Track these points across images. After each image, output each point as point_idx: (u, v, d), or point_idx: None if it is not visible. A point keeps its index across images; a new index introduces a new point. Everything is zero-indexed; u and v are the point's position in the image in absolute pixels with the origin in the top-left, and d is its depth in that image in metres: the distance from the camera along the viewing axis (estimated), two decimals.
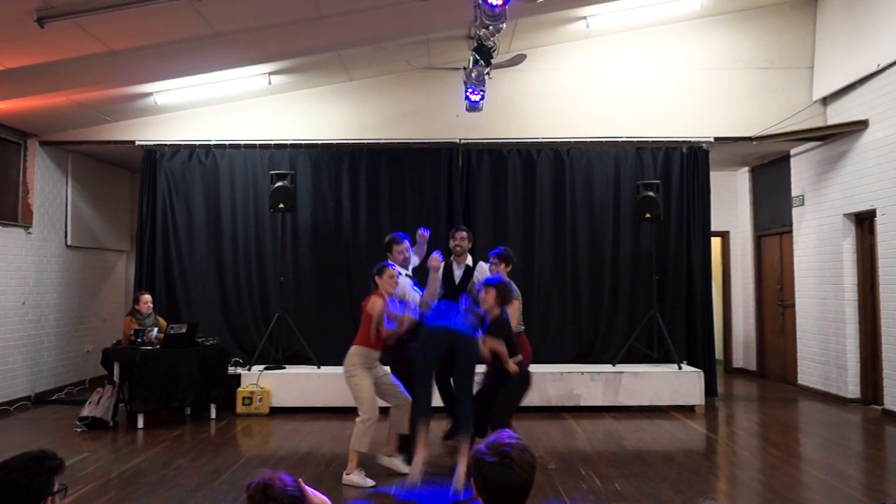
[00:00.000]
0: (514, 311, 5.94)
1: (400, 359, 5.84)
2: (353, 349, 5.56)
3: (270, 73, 8.42)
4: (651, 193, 8.60)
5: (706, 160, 9.17)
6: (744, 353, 11.38)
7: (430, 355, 5.39)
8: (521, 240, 9.08)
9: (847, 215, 8.59)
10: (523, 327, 6.23)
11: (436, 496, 5.09)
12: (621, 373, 8.24)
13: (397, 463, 5.61)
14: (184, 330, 7.61)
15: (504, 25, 5.80)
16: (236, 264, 9.17)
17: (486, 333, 5.38)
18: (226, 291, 9.14)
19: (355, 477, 5.37)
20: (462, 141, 9.14)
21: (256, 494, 1.90)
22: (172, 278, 9.06)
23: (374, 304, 5.52)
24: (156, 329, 7.74)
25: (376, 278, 5.66)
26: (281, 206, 8.54)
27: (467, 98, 7.68)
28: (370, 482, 5.34)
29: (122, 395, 7.49)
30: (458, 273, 6.45)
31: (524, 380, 5.54)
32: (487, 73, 7.11)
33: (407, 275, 6.15)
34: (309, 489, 2.02)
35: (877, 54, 7.87)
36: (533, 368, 8.09)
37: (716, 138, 9.08)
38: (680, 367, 8.34)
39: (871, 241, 8.36)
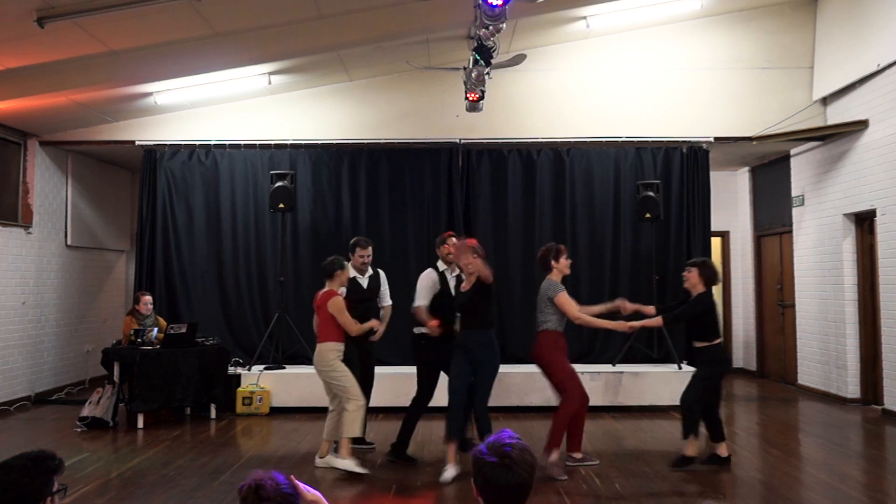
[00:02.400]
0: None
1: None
2: (327, 345, 5.68)
3: (270, 73, 8.42)
4: (651, 193, 8.60)
5: (706, 160, 9.17)
6: (744, 353, 11.38)
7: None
8: (520, 240, 9.09)
9: (847, 215, 8.59)
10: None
11: None
12: (621, 373, 8.24)
13: (332, 460, 5.71)
14: (184, 330, 7.61)
15: (504, 25, 5.80)
16: (236, 264, 9.17)
17: (685, 311, 5.74)
18: (226, 291, 9.14)
19: (350, 462, 5.49)
20: (462, 141, 9.13)
21: (249, 496, 1.90)
22: (172, 278, 9.06)
23: (336, 302, 5.67)
24: (156, 329, 7.74)
25: (338, 273, 5.78)
26: (281, 206, 8.54)
27: (467, 98, 7.67)
28: (364, 470, 5.46)
29: (122, 395, 7.49)
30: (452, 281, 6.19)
31: (717, 363, 5.69)
32: (487, 73, 7.10)
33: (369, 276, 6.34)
34: (302, 486, 2.03)
35: (877, 54, 7.87)
36: (533, 368, 8.13)
37: (716, 138, 9.08)
38: (680, 367, 8.34)
39: (871, 241, 8.35)
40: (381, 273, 6.56)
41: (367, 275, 6.38)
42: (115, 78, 7.57)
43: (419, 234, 9.14)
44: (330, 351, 5.68)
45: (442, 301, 5.85)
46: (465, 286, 5.57)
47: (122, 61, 7.08)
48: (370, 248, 6.36)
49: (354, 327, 5.72)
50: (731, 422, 7.89)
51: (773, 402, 8.82)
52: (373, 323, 5.97)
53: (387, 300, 6.52)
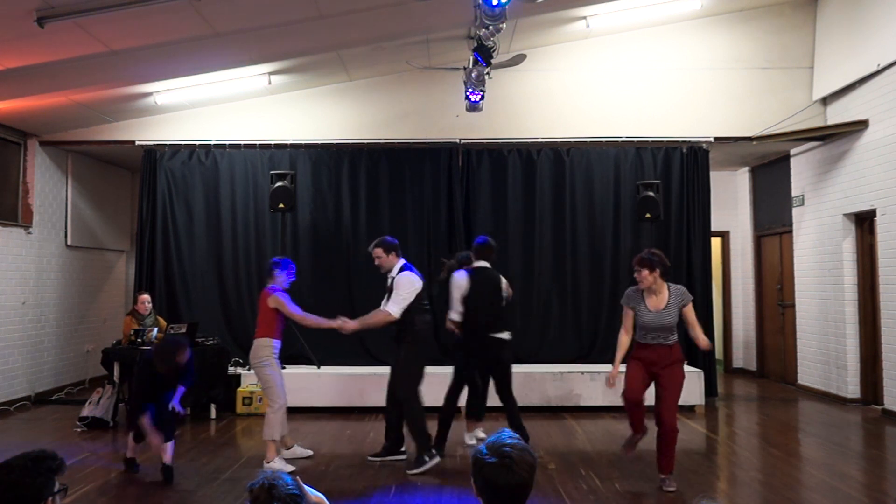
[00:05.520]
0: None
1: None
2: (263, 341, 5.86)
3: (270, 73, 8.41)
4: (651, 193, 8.60)
5: (706, 160, 9.17)
6: (744, 353, 11.38)
7: None
8: (520, 240, 9.08)
9: (847, 215, 8.59)
10: None
11: None
12: (621, 373, 8.20)
13: (299, 451, 6.17)
14: (184, 330, 7.61)
15: (504, 25, 5.80)
16: (236, 264, 9.16)
17: None
18: (226, 291, 9.13)
19: (276, 464, 5.73)
20: (462, 141, 9.13)
21: (262, 494, 1.90)
22: (172, 278, 9.05)
23: (278, 299, 5.84)
24: (156, 329, 7.74)
25: (275, 272, 5.97)
26: (281, 206, 8.54)
27: (467, 98, 7.68)
28: (291, 467, 5.68)
29: (122, 395, 7.49)
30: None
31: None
32: (487, 73, 7.10)
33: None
34: (306, 488, 2.03)
35: (877, 54, 7.87)
36: (533, 368, 8.15)
37: (716, 138, 9.08)
38: None
39: (871, 241, 8.36)
40: (401, 279, 5.87)
41: (390, 276, 5.99)
42: (115, 78, 7.57)
43: (419, 234, 9.14)
44: (264, 347, 5.89)
45: None
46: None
47: (122, 61, 7.07)
48: (376, 250, 5.97)
49: (299, 317, 5.88)
50: (731, 422, 7.90)
51: (773, 402, 8.82)
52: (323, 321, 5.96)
53: (388, 305, 5.85)
